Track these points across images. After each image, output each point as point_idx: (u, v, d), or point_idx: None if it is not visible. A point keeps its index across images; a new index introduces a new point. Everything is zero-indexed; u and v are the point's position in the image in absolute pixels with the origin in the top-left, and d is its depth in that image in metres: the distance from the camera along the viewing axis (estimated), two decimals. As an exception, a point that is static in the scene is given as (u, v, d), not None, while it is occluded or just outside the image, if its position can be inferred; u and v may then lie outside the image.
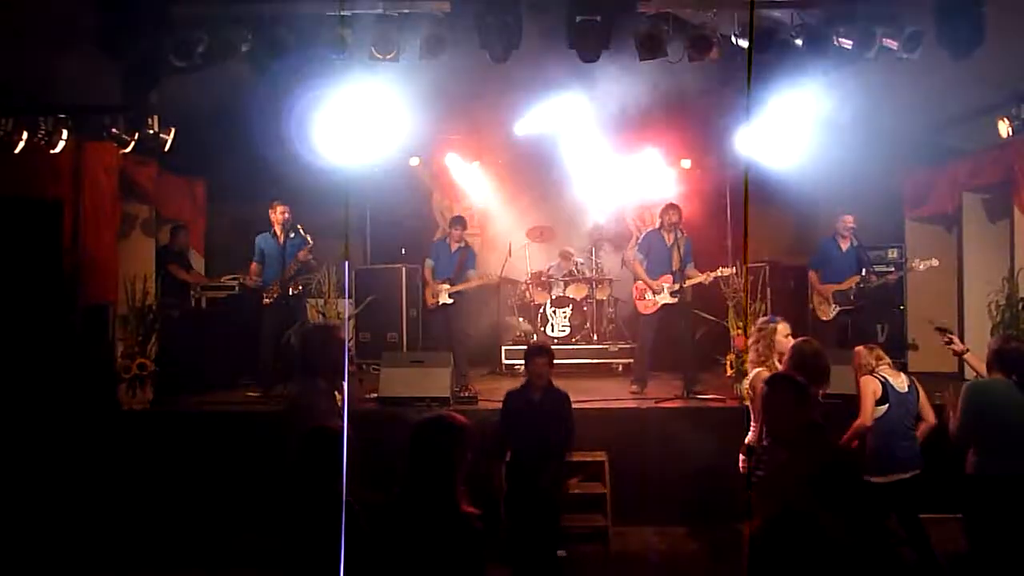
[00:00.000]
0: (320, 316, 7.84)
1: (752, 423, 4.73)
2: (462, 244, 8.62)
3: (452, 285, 8.37)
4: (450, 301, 8.35)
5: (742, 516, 4.10)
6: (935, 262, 7.82)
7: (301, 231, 7.86)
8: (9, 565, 5.46)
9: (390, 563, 2.81)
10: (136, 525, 6.20)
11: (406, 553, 2.78)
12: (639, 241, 8.12)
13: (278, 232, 7.97)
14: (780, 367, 4.58)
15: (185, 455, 6.59)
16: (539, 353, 5.34)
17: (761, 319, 5.25)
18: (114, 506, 6.31)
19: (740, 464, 4.72)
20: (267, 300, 7.85)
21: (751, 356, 4.97)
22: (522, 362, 6.06)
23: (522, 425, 5.19)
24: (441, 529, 2.79)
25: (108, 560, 5.80)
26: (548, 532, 5.22)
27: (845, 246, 8.14)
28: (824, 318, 8.03)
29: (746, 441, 4.77)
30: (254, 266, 8.01)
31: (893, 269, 8.75)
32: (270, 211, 8.01)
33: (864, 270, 7.98)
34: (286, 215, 7.96)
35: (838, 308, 7.99)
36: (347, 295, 9.34)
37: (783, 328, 4.93)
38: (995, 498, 4.32)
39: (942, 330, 5.34)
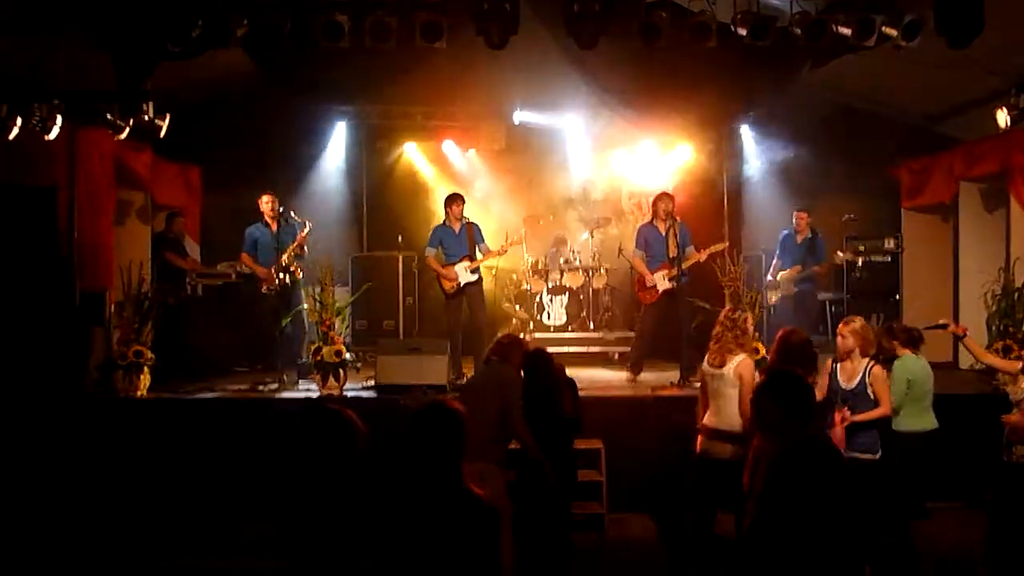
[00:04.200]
0: (316, 303, 7.82)
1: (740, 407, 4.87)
2: (464, 221, 8.13)
3: (472, 262, 7.98)
4: (474, 278, 7.96)
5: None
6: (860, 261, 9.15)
7: (293, 215, 7.91)
8: (5, 555, 5.44)
9: (409, 552, 2.81)
10: (132, 513, 6.19)
11: (423, 541, 2.79)
12: (636, 237, 8.11)
13: (270, 222, 8.03)
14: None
15: (182, 442, 6.58)
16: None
17: (727, 308, 5.43)
18: (110, 494, 6.30)
19: None
20: (266, 289, 7.85)
21: (729, 343, 5.03)
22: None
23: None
24: (454, 513, 2.80)
25: (102, 549, 5.78)
26: (555, 517, 5.19)
27: (800, 239, 8.76)
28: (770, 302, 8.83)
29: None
30: (245, 256, 8.02)
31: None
32: (259, 203, 8.05)
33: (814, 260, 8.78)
34: (272, 205, 7.98)
35: (782, 294, 8.89)
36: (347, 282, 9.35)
37: (751, 317, 5.20)
38: (909, 449, 5.15)
39: (938, 327, 5.74)
